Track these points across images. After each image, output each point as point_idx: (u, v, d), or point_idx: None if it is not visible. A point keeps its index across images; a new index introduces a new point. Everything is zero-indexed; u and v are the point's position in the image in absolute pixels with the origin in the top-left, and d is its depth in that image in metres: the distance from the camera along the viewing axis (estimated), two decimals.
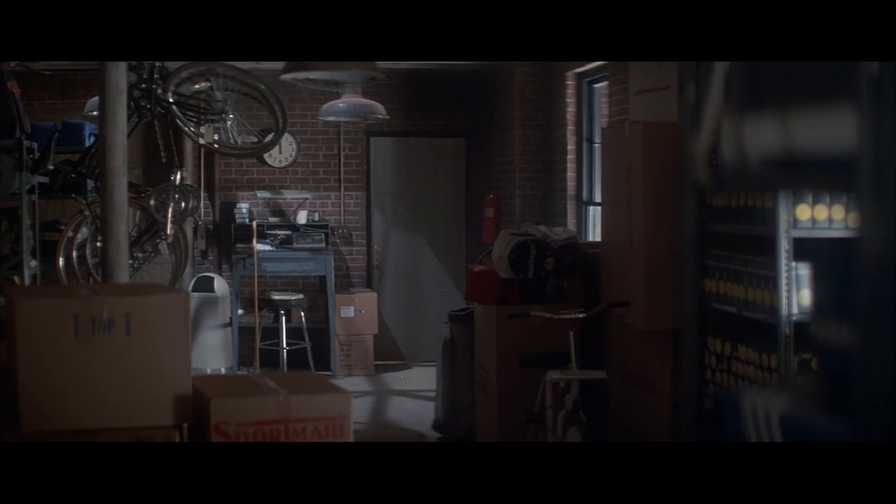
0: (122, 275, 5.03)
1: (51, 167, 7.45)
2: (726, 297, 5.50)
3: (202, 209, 11.46)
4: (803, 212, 4.97)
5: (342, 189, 12.22)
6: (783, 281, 4.94)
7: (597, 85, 9.88)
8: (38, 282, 7.60)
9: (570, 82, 10.06)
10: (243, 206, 11.79)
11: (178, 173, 7.23)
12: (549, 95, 10.51)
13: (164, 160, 7.19)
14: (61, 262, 7.07)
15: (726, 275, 5.52)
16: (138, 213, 7.45)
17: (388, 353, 12.01)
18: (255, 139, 7.57)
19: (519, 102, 10.74)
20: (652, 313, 6.27)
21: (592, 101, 10.09)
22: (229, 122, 7.44)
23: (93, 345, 3.48)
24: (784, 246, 4.93)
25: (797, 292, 4.95)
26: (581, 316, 6.50)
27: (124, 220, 5.03)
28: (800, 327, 4.94)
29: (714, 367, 5.70)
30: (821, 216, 4.98)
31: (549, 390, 6.66)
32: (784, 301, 4.93)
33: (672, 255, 6.05)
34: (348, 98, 9.92)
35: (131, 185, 7.28)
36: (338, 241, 11.91)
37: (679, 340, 6.17)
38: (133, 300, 3.63)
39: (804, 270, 4.91)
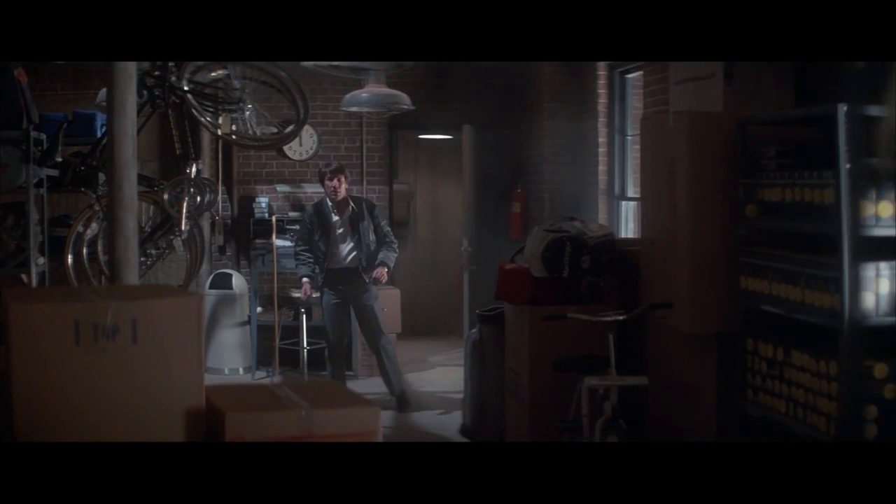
0: (132, 275, 4.67)
1: (59, 159, 7.06)
2: (778, 299, 5.15)
3: (220, 203, 11.10)
4: (867, 208, 4.57)
5: (365, 183, 11.89)
6: (847, 282, 4.54)
7: (630, 75, 9.58)
8: (47, 281, 7.23)
9: (602, 72, 9.78)
10: (262, 201, 11.43)
11: (194, 166, 6.85)
12: (579, 86, 10.20)
13: (178, 152, 6.82)
14: (70, 259, 6.71)
15: (779, 275, 5.15)
16: (151, 207, 7.08)
17: (413, 352, 11.65)
18: (275, 130, 7.17)
19: (548, 93, 10.45)
20: (697, 315, 5.92)
21: (625, 92, 9.78)
22: (247, 112, 7.07)
23: (95, 353, 3.16)
24: (848, 244, 4.53)
25: (862, 294, 4.55)
26: (621, 318, 6.11)
27: (134, 215, 4.67)
28: (866, 332, 4.56)
29: (764, 373, 5.35)
30: (885, 213, 4.59)
31: (586, 397, 6.28)
32: (847, 304, 4.53)
33: (719, 254, 5.75)
34: (372, 88, 9.51)
35: (144, 179, 6.94)
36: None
37: (725, 344, 5.90)
38: (140, 304, 3.29)
39: (870, 271, 4.53)
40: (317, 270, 9.41)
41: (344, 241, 9.34)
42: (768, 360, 5.28)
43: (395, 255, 9.53)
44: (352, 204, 9.38)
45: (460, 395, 8.67)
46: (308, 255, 9.39)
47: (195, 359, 3.28)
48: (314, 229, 9.32)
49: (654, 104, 8.30)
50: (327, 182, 9.27)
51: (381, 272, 9.30)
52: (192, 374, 3.26)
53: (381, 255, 9.34)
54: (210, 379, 7.30)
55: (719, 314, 5.76)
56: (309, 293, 9.58)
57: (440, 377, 10.85)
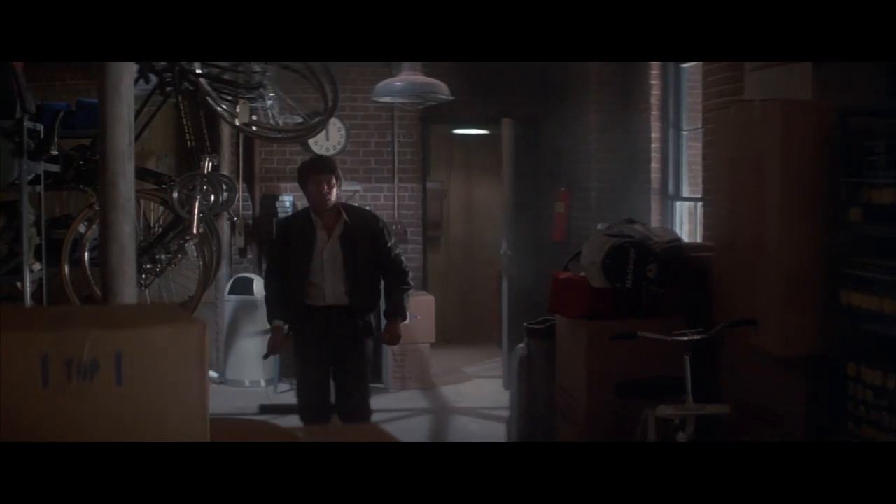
0: (128, 289, 3.89)
1: (55, 152, 6.27)
2: (888, 318, 4.47)
3: (240, 202, 10.35)
4: None
5: (396, 180, 11.15)
6: None
7: (685, 65, 8.92)
8: (45, 291, 6.42)
9: (655, 62, 9.13)
10: (286, 199, 10.65)
11: (208, 161, 6.08)
12: (629, 77, 9.54)
13: (190, 145, 6.05)
14: (68, 266, 5.92)
15: (890, 290, 4.47)
16: (161, 207, 6.30)
17: (446, 362, 10.95)
18: (300, 119, 6.39)
19: (596, 84, 9.79)
20: (788, 335, 5.22)
21: (680, 83, 9.09)
22: (269, 101, 6.32)
23: (68, 397, 2.48)
24: None
25: None
26: (699, 338, 5.30)
27: (131, 218, 3.90)
28: None
29: (870, 402, 4.67)
30: None
31: (654, 425, 5.48)
32: None
33: (815, 264, 5.09)
34: (406, 76, 8.68)
35: (150, 174, 6.21)
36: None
37: (816, 367, 5.17)
38: (127, 334, 2.60)
39: None
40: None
41: (332, 270, 6.36)
42: (875, 387, 4.64)
43: (409, 292, 6.66)
44: (345, 217, 6.38)
45: (500, 412, 8.17)
46: (282, 289, 6.48)
47: (198, 403, 2.62)
48: (290, 251, 6.42)
49: (717, 95, 7.59)
50: (311, 184, 6.34)
51: (395, 329, 6.58)
52: (194, 422, 2.60)
53: (392, 304, 6.64)
54: (228, 392, 6.32)
55: (814, 334, 5.12)
56: (279, 346, 6.65)
57: (478, 390, 10.12)
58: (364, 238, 6.41)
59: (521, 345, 7.36)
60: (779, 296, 5.19)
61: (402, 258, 6.65)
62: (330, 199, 6.36)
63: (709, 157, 7.74)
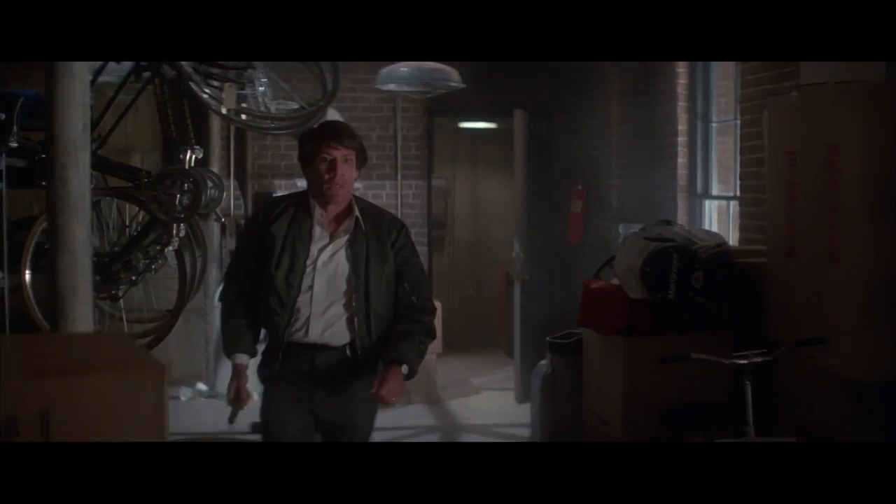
0: (81, 310, 3.14)
1: (14, 144, 5.50)
2: None
3: (231, 201, 9.61)
4: None
5: (399, 177, 10.46)
6: None
7: None
8: (6, 302, 5.63)
9: None
10: None
11: (191, 154, 5.32)
12: (654, 64, 8.94)
13: (169, 135, 5.29)
14: (28, 276, 5.17)
15: None
16: (131, 208, 5.56)
17: (452, 372, 10.27)
18: (296, 106, 5.63)
19: (617, 73, 9.20)
20: (866, 356, 4.57)
21: (709, 71, 8.46)
22: (261, 87, 5.57)
23: None
24: None
25: None
26: (762, 360, 4.55)
27: (86, 222, 3.13)
28: None
29: None
30: None
31: None
32: None
33: None
34: (413, 62, 7.88)
35: (124, 169, 5.46)
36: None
37: (892, 393, 4.54)
38: (57, 384, 1.99)
39: None
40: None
41: (328, 287, 4.28)
42: None
43: (431, 339, 4.45)
44: (358, 214, 4.37)
45: (513, 429, 7.76)
46: (245, 314, 4.36)
47: None
48: (268, 249, 4.31)
49: (758, 82, 6.92)
50: (318, 161, 4.29)
51: (396, 381, 4.18)
52: None
53: (401, 346, 4.27)
54: (219, 406, 5.45)
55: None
56: (245, 397, 4.25)
57: (488, 405, 9.37)
58: (381, 249, 4.32)
59: (543, 361, 6.67)
60: (856, 310, 4.55)
61: (425, 282, 4.54)
62: (343, 188, 4.27)
63: (746, 152, 7.07)
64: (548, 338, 6.59)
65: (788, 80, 6.38)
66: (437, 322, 8.91)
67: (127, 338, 3.20)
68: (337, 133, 4.30)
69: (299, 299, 4.22)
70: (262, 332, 4.38)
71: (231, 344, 4.31)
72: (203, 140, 8.01)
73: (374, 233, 4.34)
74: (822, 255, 4.73)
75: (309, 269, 4.24)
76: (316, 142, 4.27)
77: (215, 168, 8.97)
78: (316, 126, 4.52)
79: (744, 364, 4.52)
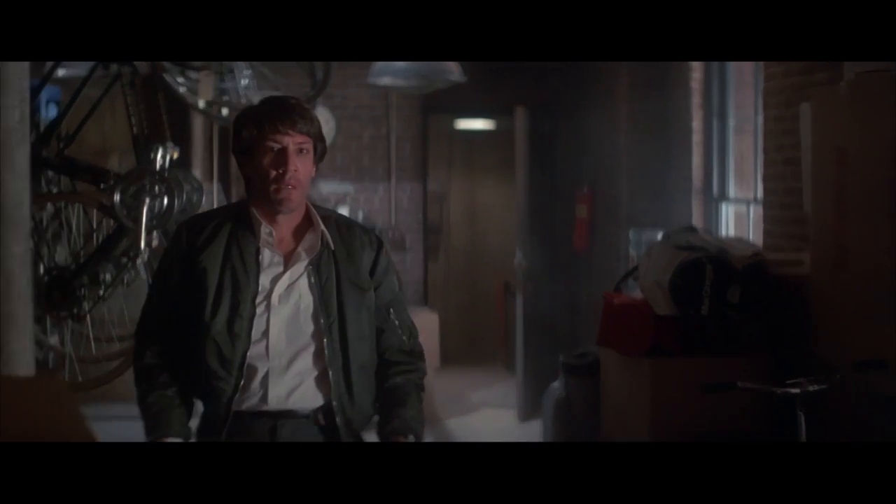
0: (19, 341, 2.52)
1: None
2: None
3: (215, 206, 9.07)
4: None
5: (393, 180, 9.96)
6: None
7: None
8: None
9: None
10: None
11: (163, 153, 4.74)
12: None
13: (140, 133, 4.73)
14: None
15: None
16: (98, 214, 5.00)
17: (449, 386, 9.74)
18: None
19: (626, 66, 8.69)
20: None
21: (725, 64, 7.99)
22: (245, 79, 5.03)
23: None
24: None
25: None
26: (816, 388, 4.00)
27: (23, 235, 2.54)
28: None
29: None
30: None
31: None
32: None
33: None
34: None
35: (85, 170, 4.90)
36: (387, 246, 9.56)
37: None
38: None
39: None
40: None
41: (292, 334, 3.15)
42: None
43: (423, 389, 3.33)
44: (323, 229, 3.21)
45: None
46: (172, 382, 3.16)
47: None
48: (199, 297, 3.11)
49: (782, 75, 6.41)
50: (261, 152, 3.09)
51: None
52: None
53: (403, 410, 3.19)
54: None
55: None
56: None
57: (489, 424, 8.94)
58: (356, 272, 3.21)
59: (555, 383, 6.23)
60: None
61: (410, 319, 3.37)
62: (298, 189, 3.10)
63: (771, 150, 6.62)
64: (561, 357, 6.08)
65: (823, 71, 5.94)
66: (434, 333, 8.50)
67: (64, 390, 2.55)
68: (287, 112, 3.06)
69: (250, 353, 3.06)
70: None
71: (155, 426, 3.07)
72: (184, 139, 7.49)
73: (344, 251, 3.18)
74: (878, 265, 4.28)
75: (260, 311, 3.07)
76: (258, 125, 3.05)
77: (198, 170, 8.49)
78: (257, 105, 3.22)
79: (796, 394, 3.97)
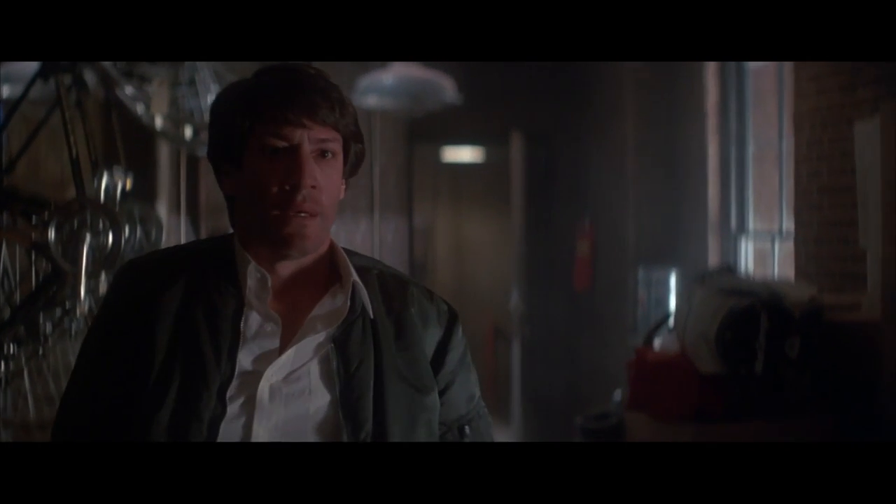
0: None
1: None
2: None
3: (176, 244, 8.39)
4: None
5: (376, 214, 9.38)
6: None
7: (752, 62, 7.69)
8: None
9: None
10: None
11: (108, 181, 4.01)
12: (677, 77, 8.28)
13: (73, 155, 4.00)
14: None
15: None
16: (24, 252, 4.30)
17: None
18: None
19: (633, 87, 8.49)
20: None
21: (743, 84, 7.73)
22: (209, 95, 4.37)
23: None
24: None
25: None
26: None
27: None
28: None
29: None
30: None
31: None
32: None
33: None
34: (399, 69, 6.52)
35: (14, 199, 4.17)
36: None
37: None
38: None
39: None
40: None
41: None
42: None
43: None
44: (358, 283, 1.91)
45: None
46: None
47: None
48: (142, 384, 1.80)
49: (815, 92, 6.09)
50: (259, 152, 1.83)
51: None
52: None
53: None
54: None
55: None
56: None
57: None
58: (410, 362, 1.93)
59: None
60: None
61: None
62: (314, 219, 1.84)
63: (804, 179, 6.20)
64: (578, 420, 5.38)
65: (865, 86, 5.55)
66: None
67: None
68: (302, 89, 1.84)
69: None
70: None
71: None
72: (147, 167, 6.81)
73: (392, 326, 1.94)
74: None
75: (234, 411, 1.82)
76: (252, 109, 1.83)
77: (163, 202, 7.85)
78: (251, 76, 1.91)
79: None
